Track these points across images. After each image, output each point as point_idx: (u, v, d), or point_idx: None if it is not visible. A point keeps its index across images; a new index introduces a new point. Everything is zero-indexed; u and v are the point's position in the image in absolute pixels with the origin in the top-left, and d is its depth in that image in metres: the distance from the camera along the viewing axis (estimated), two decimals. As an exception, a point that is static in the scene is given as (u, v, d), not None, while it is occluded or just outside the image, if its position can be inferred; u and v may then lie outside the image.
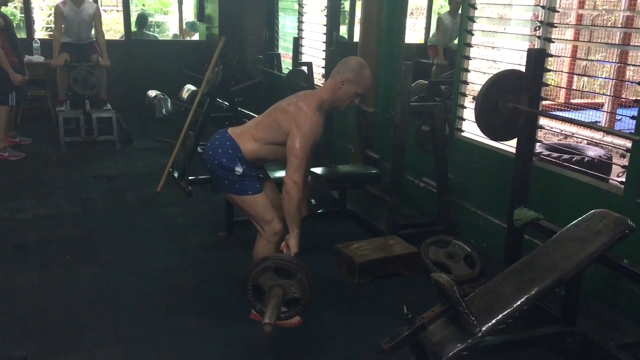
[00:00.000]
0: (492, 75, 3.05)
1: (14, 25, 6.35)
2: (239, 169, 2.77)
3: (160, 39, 9.98)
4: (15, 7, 10.03)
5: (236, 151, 2.79)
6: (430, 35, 7.50)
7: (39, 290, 3.24)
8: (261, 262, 2.53)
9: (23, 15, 8.07)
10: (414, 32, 9.25)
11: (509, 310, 2.22)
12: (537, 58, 2.87)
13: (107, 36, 7.69)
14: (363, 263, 3.43)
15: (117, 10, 10.21)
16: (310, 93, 2.90)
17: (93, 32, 6.61)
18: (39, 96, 7.08)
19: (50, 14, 9.68)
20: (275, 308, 2.41)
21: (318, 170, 4.34)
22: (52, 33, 6.76)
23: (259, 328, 2.90)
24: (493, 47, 4.37)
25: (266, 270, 2.49)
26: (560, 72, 6.98)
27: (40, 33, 8.12)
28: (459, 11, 5.00)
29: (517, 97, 2.92)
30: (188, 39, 9.45)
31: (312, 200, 4.63)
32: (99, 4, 7.09)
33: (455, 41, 5.76)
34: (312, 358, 2.76)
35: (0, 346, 2.69)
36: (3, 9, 5.69)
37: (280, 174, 3.93)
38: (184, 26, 9.91)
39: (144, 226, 4.23)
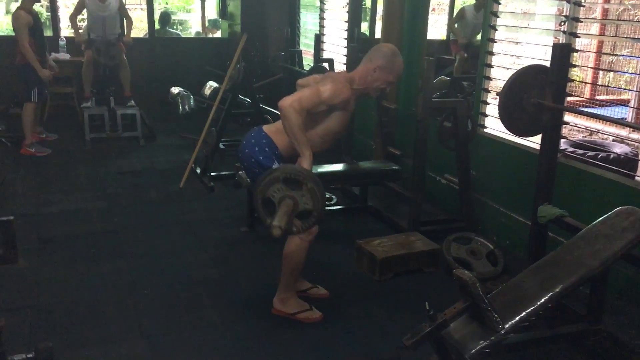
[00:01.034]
0: (516, 70, 3.02)
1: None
2: (276, 167, 2.78)
3: (183, 36, 10.05)
4: (42, 6, 10.19)
5: (273, 149, 2.80)
6: (449, 21, 7.43)
7: (64, 284, 3.30)
8: (269, 174, 2.44)
9: (49, 14, 8.21)
10: (436, 29, 9.19)
11: (532, 307, 2.20)
12: (563, 53, 2.83)
13: (131, 34, 7.77)
14: (384, 259, 3.42)
15: (141, 9, 10.31)
16: (341, 73, 2.91)
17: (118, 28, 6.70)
18: (65, 93, 7.19)
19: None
20: (285, 214, 2.32)
21: (339, 166, 4.34)
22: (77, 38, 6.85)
23: (281, 323, 2.93)
24: (517, 43, 4.32)
25: (274, 181, 2.39)
26: (585, 68, 6.87)
27: (65, 31, 8.23)
28: (483, 6, 4.95)
29: (541, 93, 2.89)
30: (210, 36, 9.51)
31: (332, 195, 4.65)
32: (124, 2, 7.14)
33: (479, 37, 5.71)
34: (333, 354, 2.76)
35: (27, 338, 2.75)
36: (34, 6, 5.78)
37: (319, 170, 3.94)
38: (207, 24, 9.97)
39: (167, 221, 4.28)
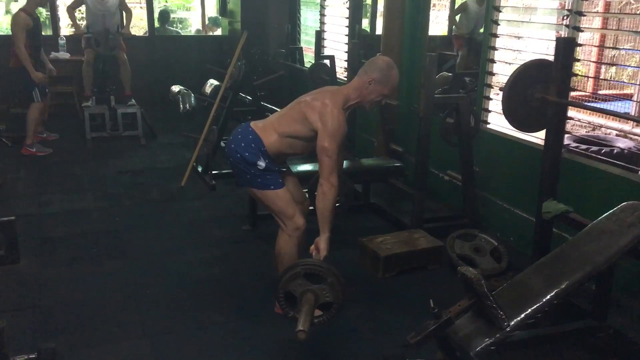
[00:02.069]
0: (519, 65, 2.99)
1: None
2: (261, 163, 2.76)
3: (182, 34, 10.03)
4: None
5: (259, 145, 2.78)
6: (449, 14, 7.40)
7: (66, 284, 3.29)
8: (290, 269, 2.50)
9: (49, 13, 8.19)
10: (437, 25, 9.16)
11: (538, 304, 2.19)
12: (567, 47, 2.80)
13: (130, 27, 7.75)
14: (388, 257, 3.40)
15: (141, 7, 10.27)
16: (336, 90, 2.87)
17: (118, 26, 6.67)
18: (65, 92, 7.17)
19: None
20: (308, 314, 2.38)
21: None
22: (76, 30, 6.82)
23: (284, 322, 2.91)
24: (519, 37, 4.29)
25: (296, 276, 2.46)
26: (588, 63, 6.84)
27: (65, 30, 8.21)
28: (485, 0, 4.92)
29: (545, 88, 2.86)
30: (211, 34, 9.49)
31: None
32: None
33: (481, 30, 5.67)
34: (337, 352, 2.75)
35: (30, 338, 2.74)
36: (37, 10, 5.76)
37: (303, 167, 3.94)
38: (207, 21, 9.95)
39: (168, 220, 4.26)
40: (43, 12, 9.93)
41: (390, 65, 2.82)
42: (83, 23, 6.91)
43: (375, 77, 2.76)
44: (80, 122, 6.53)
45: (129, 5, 6.88)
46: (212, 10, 10.25)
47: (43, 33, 6.25)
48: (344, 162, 4.36)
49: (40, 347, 2.38)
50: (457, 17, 7.23)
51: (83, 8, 6.62)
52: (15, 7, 5.73)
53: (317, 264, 2.52)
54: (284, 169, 2.95)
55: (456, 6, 7.78)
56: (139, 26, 10.76)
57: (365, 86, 2.78)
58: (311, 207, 3.05)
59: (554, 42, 2.93)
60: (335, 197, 2.70)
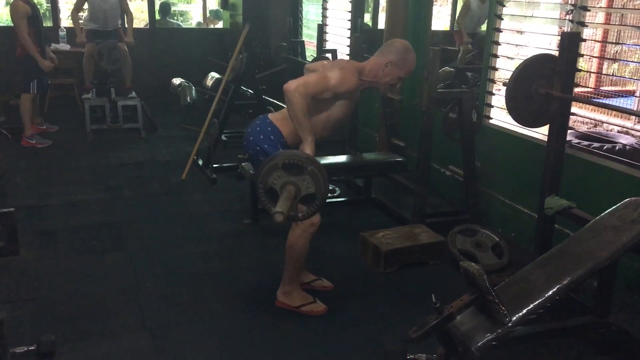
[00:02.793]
0: (523, 60, 2.98)
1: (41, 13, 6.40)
2: (274, 154, 2.74)
3: (184, 27, 10.00)
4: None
5: (278, 137, 2.77)
6: (457, 17, 7.37)
7: (66, 276, 3.28)
8: (268, 162, 2.41)
9: (49, 4, 8.15)
10: (439, 20, 9.13)
11: (540, 299, 2.18)
12: (572, 42, 2.79)
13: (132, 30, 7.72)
14: (389, 251, 3.39)
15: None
16: (352, 61, 2.87)
17: (119, 19, 6.64)
18: (65, 84, 7.15)
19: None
20: (287, 199, 2.29)
21: (343, 158, 4.31)
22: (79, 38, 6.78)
23: (285, 315, 2.91)
24: (522, 32, 4.27)
25: (274, 168, 2.36)
26: (590, 58, 6.81)
27: (66, 22, 8.18)
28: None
29: (549, 83, 2.85)
30: (212, 27, 9.46)
31: (335, 188, 4.62)
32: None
33: (483, 27, 5.65)
34: (338, 347, 2.74)
35: (29, 331, 2.73)
36: None
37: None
38: (208, 14, 9.91)
39: (169, 213, 4.25)
40: (44, 4, 9.92)
41: (407, 49, 2.81)
42: (83, 15, 6.86)
43: (392, 59, 2.75)
44: (81, 114, 6.52)
45: (130, 1, 6.85)
46: (213, 2, 10.21)
47: (43, 24, 6.21)
48: (345, 156, 4.37)
49: (40, 339, 2.38)
50: (463, 19, 7.21)
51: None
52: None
53: (294, 154, 2.42)
54: None
55: (458, 2, 7.76)
56: (139, 18, 10.72)
57: (381, 67, 2.77)
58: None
59: (558, 37, 2.91)
60: (303, 100, 2.60)
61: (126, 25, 6.77)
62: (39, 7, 5.98)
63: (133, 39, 6.63)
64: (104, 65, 6.30)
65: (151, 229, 3.96)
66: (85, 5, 6.51)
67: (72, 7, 6.76)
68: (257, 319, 2.92)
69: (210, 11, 9.72)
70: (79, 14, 6.55)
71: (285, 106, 2.83)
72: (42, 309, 2.94)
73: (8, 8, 5.52)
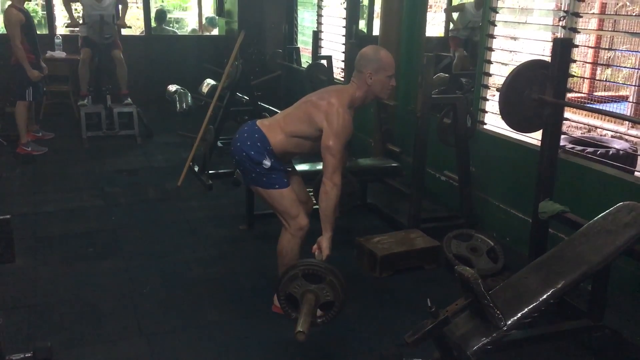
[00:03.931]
0: (516, 66, 3.00)
1: (35, 22, 6.41)
2: (267, 162, 2.76)
3: (179, 34, 10.02)
4: (37, 4, 10.15)
5: (265, 144, 2.77)
6: (451, 27, 7.43)
7: (62, 283, 3.28)
8: (289, 271, 2.50)
9: (45, 12, 8.16)
10: (433, 26, 9.18)
11: (534, 303, 2.19)
12: (564, 48, 2.82)
13: (127, 32, 7.73)
14: (385, 256, 3.41)
15: (137, 7, 10.25)
16: (342, 89, 2.86)
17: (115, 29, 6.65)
18: (61, 91, 7.15)
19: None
20: (308, 315, 2.38)
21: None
22: (74, 29, 6.80)
23: (281, 321, 2.91)
24: (515, 39, 4.31)
25: (295, 278, 2.46)
26: (583, 64, 6.86)
27: (61, 29, 8.19)
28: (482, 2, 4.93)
29: (542, 88, 2.87)
30: (207, 34, 9.49)
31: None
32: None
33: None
34: (335, 352, 2.75)
35: (25, 337, 2.73)
36: (25, 4, 5.73)
37: (307, 167, 3.93)
38: (203, 21, 9.94)
39: (165, 220, 4.25)
40: (39, 12, 9.94)
41: (376, 50, 2.83)
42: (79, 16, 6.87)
43: (370, 69, 2.76)
44: (76, 121, 6.51)
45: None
46: (208, 10, 10.25)
47: (39, 32, 6.22)
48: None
49: (36, 346, 2.38)
50: (455, 16, 7.24)
51: (79, 7, 6.60)
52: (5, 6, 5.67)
53: (315, 264, 2.51)
54: (290, 169, 2.94)
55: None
56: (135, 26, 10.74)
57: (367, 82, 2.77)
58: (315, 207, 3.05)
59: (551, 43, 2.94)
60: (338, 196, 2.68)
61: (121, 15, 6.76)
62: (34, 14, 5.98)
63: (126, 23, 6.60)
64: (97, 40, 6.25)
65: (147, 235, 3.96)
66: (81, 12, 6.52)
67: (67, 14, 6.78)
68: (253, 324, 2.92)
69: (206, 18, 9.75)
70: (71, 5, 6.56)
71: (266, 115, 2.84)
72: (38, 315, 2.94)
73: (1, 16, 5.50)
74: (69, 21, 6.55)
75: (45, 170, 5.28)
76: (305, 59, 7.16)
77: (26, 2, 5.73)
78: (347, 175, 3.81)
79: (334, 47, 6.38)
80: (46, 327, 2.83)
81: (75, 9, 6.70)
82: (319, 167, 4.13)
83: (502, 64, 4.17)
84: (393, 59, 2.84)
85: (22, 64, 5.46)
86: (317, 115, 2.72)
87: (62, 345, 2.67)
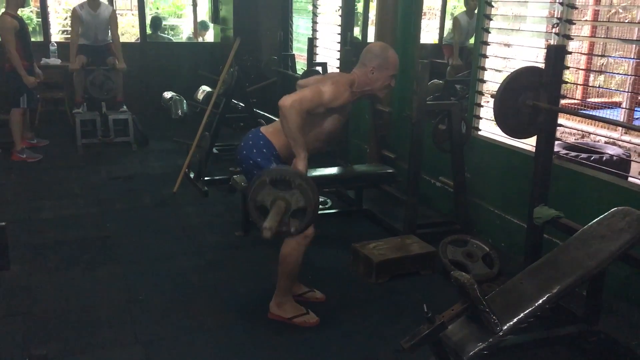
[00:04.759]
0: (510, 72, 3.03)
1: (30, 29, 6.41)
2: (262, 171, 2.76)
3: (175, 41, 10.04)
4: (32, 12, 10.15)
5: (271, 149, 2.78)
6: (445, 35, 7.47)
7: (58, 290, 3.26)
8: (256, 179, 2.45)
9: (40, 19, 8.16)
10: (427, 33, 9.23)
11: (530, 308, 2.20)
12: (558, 55, 2.84)
13: (123, 39, 7.76)
14: (381, 262, 3.41)
15: (132, 14, 10.29)
16: (342, 74, 2.90)
17: (109, 34, 6.66)
18: (56, 98, 7.15)
19: (66, 17, 9.79)
20: (276, 215, 2.32)
21: (334, 170, 4.34)
22: (68, 36, 6.82)
23: (277, 327, 2.92)
24: (509, 45, 4.34)
25: (263, 185, 2.40)
26: (577, 71, 6.91)
27: (56, 36, 8.19)
28: (475, 11, 4.97)
29: (536, 94, 2.90)
30: (201, 38, 9.52)
31: (327, 200, 4.63)
32: (114, 7, 7.12)
33: (472, 40, 5.73)
34: (331, 358, 2.74)
35: (21, 345, 2.71)
36: (19, 11, 5.74)
37: (312, 173, 3.92)
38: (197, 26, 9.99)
39: (161, 226, 4.25)
40: (34, 19, 9.93)
41: (385, 48, 2.86)
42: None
43: (375, 64, 2.79)
44: (71, 128, 6.50)
45: (120, 12, 6.88)
46: (203, 17, 10.28)
47: (34, 39, 6.22)
48: (336, 168, 4.40)
49: (32, 354, 2.37)
50: (446, 32, 7.31)
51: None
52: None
53: (281, 169, 2.47)
54: None
55: (447, 15, 7.86)
56: (130, 33, 10.76)
57: (368, 76, 2.80)
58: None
59: (545, 50, 2.97)
60: (297, 117, 2.62)
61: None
62: (29, 22, 5.99)
63: (124, 65, 6.58)
64: (96, 96, 6.27)
65: (143, 242, 3.96)
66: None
67: (62, 21, 6.78)
68: (250, 331, 2.92)
69: (199, 23, 9.80)
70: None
71: (276, 119, 2.86)
72: (33, 323, 2.92)
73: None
74: (70, 65, 6.49)
75: (40, 178, 5.27)
76: (301, 65, 7.18)
77: (21, 10, 5.74)
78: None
79: (329, 54, 6.40)
80: (42, 335, 2.82)
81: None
82: (326, 172, 4.16)
83: (497, 70, 4.20)
84: (398, 60, 2.87)
85: (17, 70, 5.46)
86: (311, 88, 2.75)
87: (58, 353, 2.66)
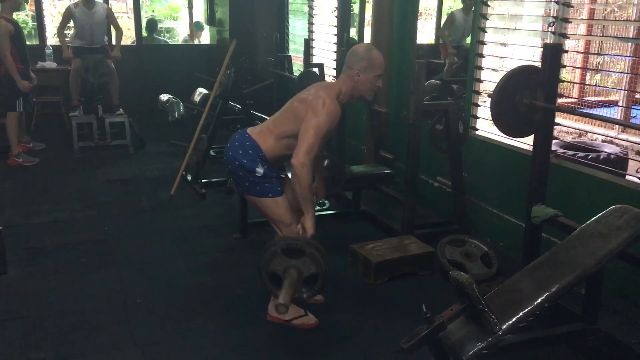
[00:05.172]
0: (507, 72, 3.02)
1: (25, 32, 6.40)
2: (260, 170, 2.75)
3: (170, 43, 10.03)
4: (27, 15, 10.12)
5: (257, 151, 2.77)
6: (441, 27, 7.46)
7: (55, 294, 3.25)
8: (268, 249, 2.47)
9: (35, 23, 8.15)
10: (424, 33, 9.24)
11: (529, 307, 2.20)
12: (554, 53, 2.84)
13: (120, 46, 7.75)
14: (379, 263, 3.41)
15: (128, 17, 10.27)
16: (329, 84, 2.90)
17: (105, 37, 6.66)
18: (52, 102, 7.13)
19: (62, 21, 9.76)
20: (289, 287, 2.35)
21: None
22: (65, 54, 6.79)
23: (276, 329, 2.91)
24: (505, 45, 4.34)
25: (274, 255, 2.43)
26: (573, 69, 6.92)
27: (52, 40, 8.18)
28: (472, 9, 4.97)
29: (533, 93, 2.89)
30: (197, 39, 9.51)
31: (325, 201, 4.63)
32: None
33: (468, 39, 5.73)
34: (330, 359, 2.74)
35: (19, 349, 2.70)
36: (14, 15, 5.72)
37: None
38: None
39: (158, 229, 4.24)
40: (29, 22, 9.91)
41: (368, 49, 2.85)
42: (69, 32, 6.87)
43: (360, 66, 2.78)
44: (68, 131, 6.49)
45: (116, 15, 6.87)
46: (199, 19, 10.27)
47: (29, 43, 6.21)
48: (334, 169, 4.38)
49: (30, 358, 2.36)
50: (446, 32, 7.29)
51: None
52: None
53: (292, 238, 2.49)
54: (283, 176, 2.94)
55: (442, 16, 7.86)
56: (126, 35, 10.73)
57: (355, 79, 2.79)
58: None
59: (540, 49, 2.97)
60: (309, 175, 2.64)
61: (114, 42, 6.77)
62: (24, 25, 5.97)
63: (120, 54, 6.63)
64: (91, 79, 6.28)
65: (140, 245, 3.95)
66: (71, 23, 6.52)
67: (57, 24, 6.77)
68: (248, 333, 2.91)
69: (194, 24, 9.81)
70: (64, 31, 6.56)
71: (264, 121, 2.86)
72: (31, 327, 2.91)
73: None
74: (62, 52, 6.51)
75: (37, 182, 5.25)
76: (297, 67, 7.18)
77: (16, 13, 5.72)
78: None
79: (326, 55, 6.40)
80: (39, 339, 2.80)
81: (68, 26, 6.68)
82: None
83: (493, 70, 4.20)
84: (384, 60, 2.86)
85: (12, 74, 5.44)
86: (302, 109, 2.74)
87: (56, 357, 2.65)
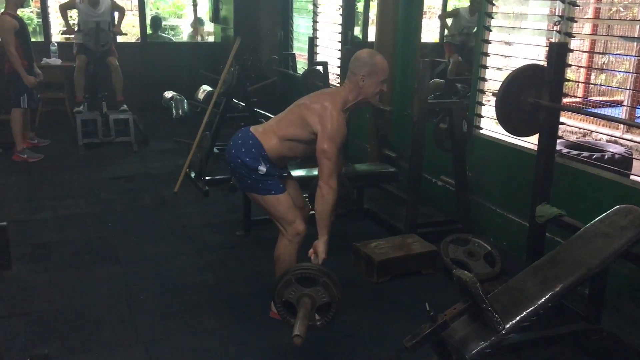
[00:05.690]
0: (512, 71, 3.02)
1: (30, 29, 6.41)
2: (262, 168, 2.75)
3: (175, 40, 10.04)
4: (32, 12, 10.14)
5: (260, 150, 2.77)
6: (446, 33, 7.45)
7: (59, 290, 3.26)
8: (282, 277, 2.51)
9: (40, 19, 8.16)
10: (428, 32, 9.22)
11: (533, 307, 2.19)
12: (560, 52, 2.83)
13: (123, 39, 7.75)
14: (382, 261, 3.40)
15: (133, 14, 10.27)
16: (335, 92, 2.88)
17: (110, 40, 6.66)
18: (57, 98, 7.14)
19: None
20: (304, 318, 2.39)
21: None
22: (69, 36, 6.81)
23: (279, 327, 2.91)
24: (510, 44, 4.33)
25: (289, 284, 2.48)
26: (578, 69, 6.90)
27: (57, 36, 8.19)
28: (477, 13, 4.96)
29: (538, 92, 2.89)
30: (199, 36, 9.52)
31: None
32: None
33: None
34: (333, 358, 2.74)
35: (22, 345, 2.71)
36: (19, 11, 5.73)
37: (303, 172, 3.93)
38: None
39: (162, 226, 4.24)
40: (34, 19, 9.93)
41: (372, 55, 2.84)
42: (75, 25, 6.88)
43: (364, 72, 2.77)
44: (72, 128, 6.49)
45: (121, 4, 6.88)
46: (204, 17, 10.28)
47: (34, 39, 6.22)
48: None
49: (33, 354, 2.37)
50: (449, 22, 7.28)
51: (74, 14, 6.60)
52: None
53: (307, 267, 2.52)
54: (285, 174, 2.94)
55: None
56: (131, 33, 10.76)
57: (359, 85, 2.78)
58: (312, 212, 3.05)
59: (546, 48, 2.96)
60: (334, 200, 2.69)
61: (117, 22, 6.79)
62: (29, 22, 5.98)
63: (121, 30, 6.64)
64: (92, 47, 6.29)
65: (144, 242, 3.95)
66: (77, 20, 6.52)
67: (62, 21, 6.78)
68: (251, 330, 2.91)
69: (198, 19, 9.82)
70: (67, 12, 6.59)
71: (262, 121, 2.85)
72: (35, 323, 2.92)
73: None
74: (65, 28, 6.55)
75: (41, 178, 5.27)
76: (301, 65, 7.17)
77: (20, 10, 5.73)
78: (342, 179, 3.80)
79: (330, 53, 6.39)
80: (43, 335, 2.82)
81: (71, 17, 6.69)
82: (315, 172, 4.12)
83: (498, 69, 4.19)
84: (387, 64, 2.85)
85: (17, 70, 5.46)
86: (310, 118, 2.73)
87: (59, 353, 2.66)
